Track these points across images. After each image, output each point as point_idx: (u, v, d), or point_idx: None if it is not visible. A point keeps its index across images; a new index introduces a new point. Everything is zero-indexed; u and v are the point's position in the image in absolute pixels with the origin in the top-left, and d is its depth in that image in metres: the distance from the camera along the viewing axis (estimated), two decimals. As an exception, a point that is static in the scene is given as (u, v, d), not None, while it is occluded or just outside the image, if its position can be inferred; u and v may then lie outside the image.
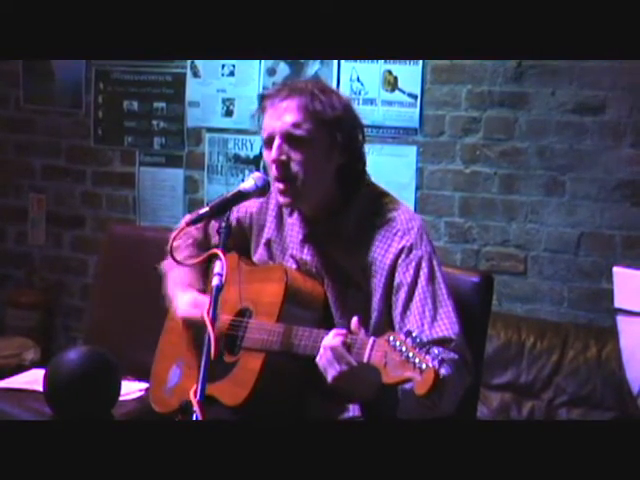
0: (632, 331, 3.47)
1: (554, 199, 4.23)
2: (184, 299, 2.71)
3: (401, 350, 2.07)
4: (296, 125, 2.48)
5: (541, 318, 4.23)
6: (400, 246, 2.48)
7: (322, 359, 2.28)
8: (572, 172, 4.19)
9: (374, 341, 2.17)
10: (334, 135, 2.50)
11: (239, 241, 2.73)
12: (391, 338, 2.11)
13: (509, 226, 4.31)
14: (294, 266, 2.62)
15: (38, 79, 5.16)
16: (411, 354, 2.05)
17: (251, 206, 2.72)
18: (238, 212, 2.73)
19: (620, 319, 3.53)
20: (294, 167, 2.49)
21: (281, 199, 2.56)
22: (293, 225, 2.65)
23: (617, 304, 3.52)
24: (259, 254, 2.72)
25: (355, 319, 2.27)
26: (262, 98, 2.60)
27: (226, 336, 2.59)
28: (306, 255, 2.61)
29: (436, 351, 2.06)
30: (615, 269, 3.60)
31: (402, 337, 2.09)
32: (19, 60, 5.14)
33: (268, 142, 2.52)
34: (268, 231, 2.70)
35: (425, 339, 2.25)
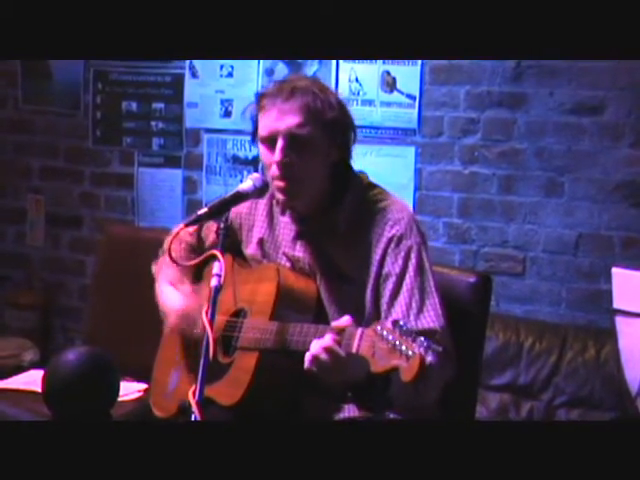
0: (631, 332, 3.47)
1: (553, 200, 4.23)
2: (176, 295, 2.71)
3: (388, 339, 2.08)
4: (299, 126, 2.49)
5: (540, 319, 4.23)
6: (390, 235, 2.50)
7: (313, 360, 2.29)
8: (571, 173, 4.19)
9: (362, 332, 2.18)
10: (332, 135, 2.52)
11: (231, 242, 2.74)
12: (378, 328, 2.12)
13: (508, 227, 4.31)
14: (288, 264, 2.62)
15: (36, 80, 5.15)
16: (398, 342, 2.06)
17: (241, 206, 2.72)
18: (229, 213, 2.74)
19: (619, 320, 3.53)
20: (296, 168, 2.50)
21: (280, 197, 2.56)
22: (286, 223, 2.66)
23: (616, 305, 3.52)
24: (251, 254, 2.72)
25: (347, 317, 2.28)
26: (260, 96, 2.59)
27: (222, 337, 2.60)
28: (298, 252, 2.62)
29: (422, 339, 2.06)
30: (614, 270, 3.61)
31: (389, 326, 2.11)
32: (17, 60, 5.14)
33: (268, 141, 2.52)
34: (260, 230, 2.71)
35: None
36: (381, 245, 2.50)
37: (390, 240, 2.50)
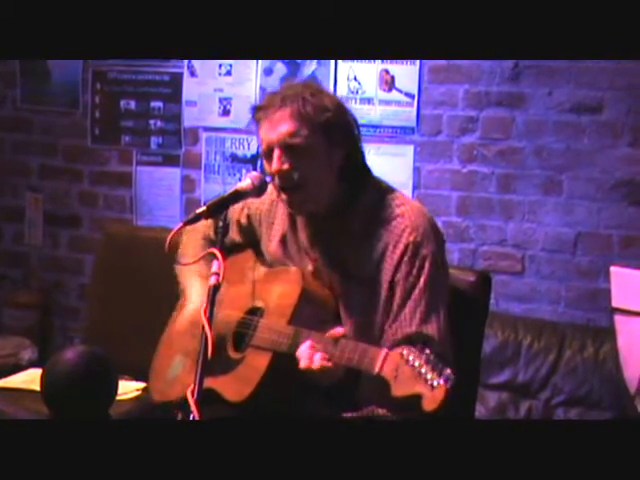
0: (629, 330, 3.47)
1: (551, 198, 4.23)
2: (199, 291, 2.71)
3: (414, 365, 2.08)
4: (292, 134, 2.48)
5: (538, 318, 4.23)
6: (407, 242, 2.49)
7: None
8: (569, 172, 4.19)
9: (387, 353, 2.18)
10: (330, 137, 2.51)
11: (249, 238, 2.75)
12: (405, 352, 2.12)
13: (506, 225, 4.31)
14: (310, 266, 2.62)
15: (35, 79, 5.15)
16: (424, 370, 2.06)
17: (263, 203, 2.73)
18: (249, 209, 2.75)
19: (617, 318, 3.53)
20: (297, 175, 2.50)
21: (288, 208, 2.58)
22: (304, 223, 2.65)
23: (614, 303, 3.52)
24: (273, 251, 2.72)
25: (339, 330, 2.33)
26: (255, 110, 2.60)
27: (234, 333, 2.60)
28: (315, 252, 2.61)
29: (449, 371, 2.06)
30: (612, 269, 3.61)
31: (416, 352, 2.10)
32: (16, 60, 5.14)
33: (268, 154, 2.53)
34: (281, 228, 2.71)
35: (411, 332, 2.34)
36: (397, 251, 2.49)
37: (407, 247, 2.49)
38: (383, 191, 2.61)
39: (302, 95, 2.51)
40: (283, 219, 2.71)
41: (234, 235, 2.77)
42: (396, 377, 2.11)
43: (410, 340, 2.31)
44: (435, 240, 2.52)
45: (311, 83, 2.71)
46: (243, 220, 2.75)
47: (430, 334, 2.41)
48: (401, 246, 2.49)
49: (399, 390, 2.10)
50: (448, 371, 2.05)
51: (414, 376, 2.07)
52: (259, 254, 2.76)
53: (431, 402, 2.02)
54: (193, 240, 2.82)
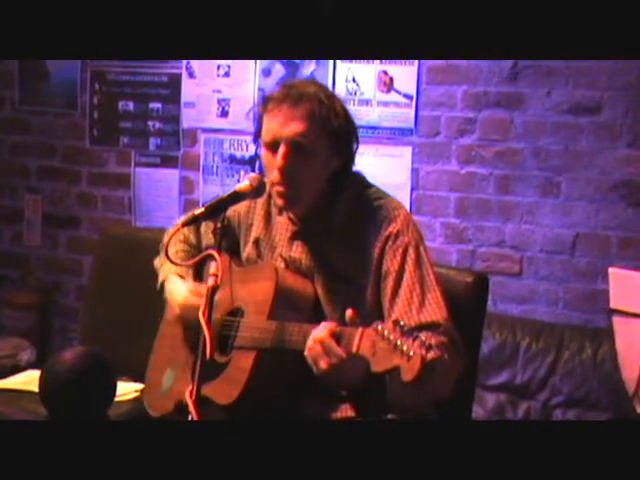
0: (627, 331, 3.48)
1: (550, 200, 4.23)
2: (182, 287, 2.71)
3: (389, 339, 2.08)
4: (303, 135, 2.49)
5: (536, 319, 4.23)
6: (387, 233, 2.50)
7: (311, 352, 2.29)
8: (568, 173, 4.19)
9: (362, 331, 2.18)
10: (334, 143, 2.53)
11: (229, 241, 2.74)
12: (379, 327, 2.12)
13: (505, 227, 4.32)
14: (282, 264, 2.62)
15: (33, 80, 5.15)
16: (399, 342, 2.05)
17: (242, 205, 2.72)
18: (227, 212, 2.74)
19: (616, 320, 3.53)
20: (297, 174, 2.51)
21: (279, 202, 2.57)
22: (282, 223, 2.67)
23: (613, 305, 3.52)
24: (247, 253, 2.73)
25: (349, 312, 2.27)
26: (266, 99, 2.59)
27: (218, 336, 2.60)
28: (295, 252, 2.62)
29: (424, 338, 2.07)
30: (610, 270, 3.61)
31: (390, 326, 2.10)
32: (15, 60, 5.14)
33: (271, 145, 2.53)
34: (256, 230, 2.72)
35: (414, 324, 2.32)
36: (378, 244, 2.51)
37: (387, 238, 2.50)
38: (362, 187, 2.62)
39: (318, 96, 2.52)
40: (259, 220, 2.72)
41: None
42: (374, 353, 2.11)
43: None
44: (415, 229, 2.54)
45: (323, 85, 2.70)
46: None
47: (433, 320, 2.42)
48: (381, 238, 2.51)
49: (378, 366, 2.10)
50: (422, 338, 2.06)
51: (390, 350, 2.07)
52: (235, 256, 2.76)
53: (409, 373, 2.02)
54: (174, 243, 2.81)
